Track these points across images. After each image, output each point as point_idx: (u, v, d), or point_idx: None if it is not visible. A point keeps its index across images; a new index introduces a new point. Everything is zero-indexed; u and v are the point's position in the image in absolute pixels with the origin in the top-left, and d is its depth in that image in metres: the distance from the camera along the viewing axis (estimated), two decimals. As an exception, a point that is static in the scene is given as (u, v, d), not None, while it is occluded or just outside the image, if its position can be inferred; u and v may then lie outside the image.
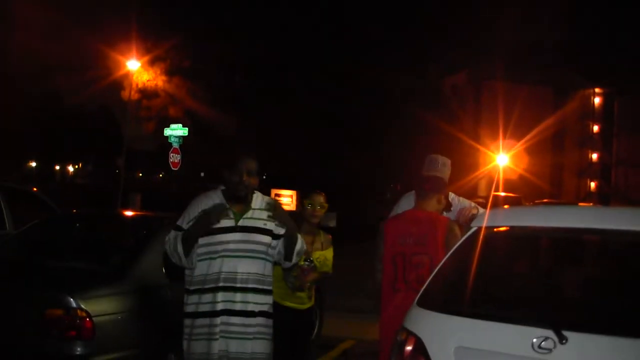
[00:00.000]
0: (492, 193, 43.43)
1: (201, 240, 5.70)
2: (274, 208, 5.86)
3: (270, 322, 5.86)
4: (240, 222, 5.79)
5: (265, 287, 5.82)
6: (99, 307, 6.44)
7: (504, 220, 5.32)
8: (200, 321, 5.62)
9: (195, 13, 45.52)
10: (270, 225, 5.86)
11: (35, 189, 14.13)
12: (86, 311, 6.24)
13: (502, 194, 46.10)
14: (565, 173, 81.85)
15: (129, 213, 10.84)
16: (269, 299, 5.86)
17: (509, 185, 53.52)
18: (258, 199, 5.97)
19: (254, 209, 5.88)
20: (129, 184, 41.63)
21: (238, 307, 5.63)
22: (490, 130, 62.08)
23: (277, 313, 6.12)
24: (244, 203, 5.88)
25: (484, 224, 5.17)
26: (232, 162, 5.87)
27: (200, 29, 43.73)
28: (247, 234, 5.77)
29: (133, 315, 6.83)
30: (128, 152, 35.80)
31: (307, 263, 6.62)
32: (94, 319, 6.29)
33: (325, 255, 7.28)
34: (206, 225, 5.67)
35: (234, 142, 44.65)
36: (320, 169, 51.28)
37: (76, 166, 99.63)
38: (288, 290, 6.84)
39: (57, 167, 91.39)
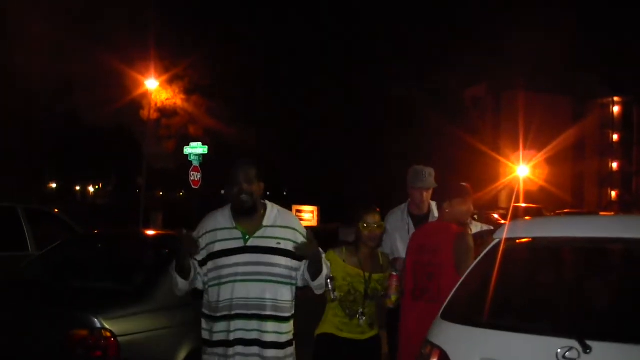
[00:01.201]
0: (513, 204, 43.41)
1: (209, 265, 5.35)
2: (306, 246, 5.31)
3: (291, 351, 5.44)
4: (250, 242, 5.33)
5: (284, 315, 5.37)
6: (124, 327, 6.43)
7: (526, 232, 5.33)
8: (215, 350, 5.30)
9: (213, 30, 45.62)
10: (287, 245, 5.37)
11: (56, 210, 14.17)
12: (111, 331, 6.25)
13: (523, 205, 46.09)
14: (585, 183, 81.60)
15: (150, 232, 10.84)
16: (289, 326, 5.42)
17: (529, 196, 53.47)
18: (272, 215, 5.49)
19: (266, 227, 5.41)
20: (150, 202, 41.71)
21: (254, 335, 5.23)
22: (510, 141, 62.08)
23: (335, 347, 5.93)
24: (252, 216, 5.42)
25: (505, 236, 5.17)
26: (231, 173, 5.45)
27: (218, 46, 43.84)
28: (259, 255, 5.30)
29: (157, 334, 6.81)
30: (148, 171, 35.90)
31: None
32: (118, 338, 6.28)
33: (386, 278, 6.54)
34: (181, 258, 5.26)
35: (256, 157, 44.71)
36: (342, 183, 51.29)
37: (97, 186, 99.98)
38: (346, 319, 6.34)
39: (78, 188, 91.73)
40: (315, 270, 5.41)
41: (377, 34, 62.33)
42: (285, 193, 64.49)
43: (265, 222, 5.43)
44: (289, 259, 5.37)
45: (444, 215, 6.68)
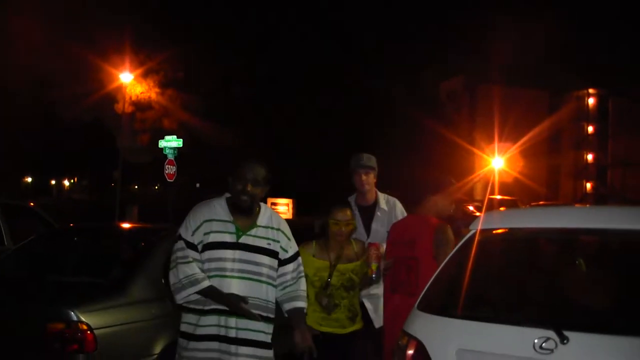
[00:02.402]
0: (488, 196, 43.53)
1: (204, 255, 5.26)
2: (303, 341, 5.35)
3: (270, 353, 5.38)
4: (242, 239, 5.32)
5: (267, 315, 5.34)
6: (100, 319, 6.41)
7: (501, 222, 5.34)
8: (194, 344, 5.23)
9: (189, 24, 45.58)
10: (275, 246, 5.43)
11: (32, 203, 14.12)
12: (87, 324, 6.23)
13: (498, 197, 46.22)
14: (561, 175, 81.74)
15: (126, 226, 10.81)
16: (269, 328, 5.39)
17: (504, 189, 53.65)
18: (265, 215, 5.52)
19: (259, 227, 5.42)
20: (126, 196, 41.64)
21: (232, 333, 5.19)
22: (485, 134, 62.15)
23: (316, 342, 5.76)
24: (248, 215, 5.40)
25: (480, 227, 5.19)
26: (238, 168, 5.40)
27: (194, 40, 43.82)
28: (248, 254, 5.30)
29: (134, 327, 6.79)
30: (123, 164, 35.80)
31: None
32: (95, 331, 6.26)
33: (360, 266, 6.59)
34: (229, 305, 5.16)
35: (231, 151, 44.73)
36: (315, 176, 51.30)
37: (72, 180, 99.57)
38: (324, 314, 6.42)
39: (53, 182, 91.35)
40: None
41: (355, 28, 62.40)
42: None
43: (259, 222, 5.44)
44: (273, 259, 5.41)
45: (424, 208, 6.68)
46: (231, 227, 5.34)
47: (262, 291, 5.32)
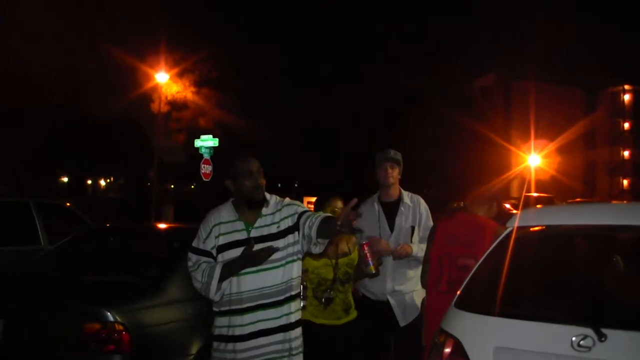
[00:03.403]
0: (524, 194, 43.37)
1: (218, 258, 5.35)
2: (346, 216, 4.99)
3: (297, 332, 5.45)
4: (253, 233, 5.37)
5: (293, 293, 5.42)
6: (136, 320, 6.46)
7: (538, 220, 5.31)
8: (229, 346, 5.27)
9: (223, 23, 45.71)
10: (285, 223, 5.42)
11: (68, 203, 14.20)
12: (123, 324, 6.26)
13: (535, 194, 45.99)
14: (597, 172, 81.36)
15: (162, 226, 10.84)
16: (297, 304, 5.49)
17: (540, 186, 53.37)
18: (271, 203, 5.55)
19: (266, 215, 5.46)
20: (161, 196, 41.78)
21: (275, 323, 5.27)
22: (521, 131, 61.94)
23: (312, 332, 5.93)
24: (260, 207, 5.47)
25: (517, 224, 5.16)
26: (237, 167, 5.45)
27: (229, 38, 43.93)
28: (261, 245, 5.29)
29: (170, 327, 6.84)
30: (159, 164, 35.94)
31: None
32: (131, 332, 6.30)
33: (354, 259, 6.80)
34: (241, 267, 5.24)
35: (258, 149, 44.82)
36: (347, 174, 51.24)
37: (108, 180, 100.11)
38: (320, 306, 6.52)
39: (89, 182, 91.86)
40: (329, 232, 5.21)
41: (388, 25, 62.24)
42: (296, 185, 64.44)
43: (264, 211, 5.47)
44: (289, 237, 5.41)
45: (475, 209, 6.66)
46: (239, 225, 5.41)
47: (278, 276, 5.33)
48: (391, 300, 7.33)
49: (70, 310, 6.55)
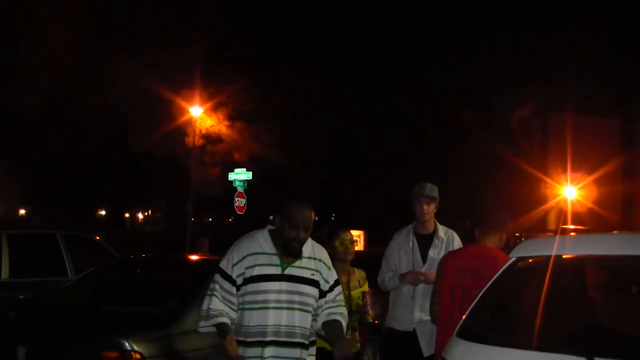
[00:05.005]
0: (561, 226, 43.12)
1: (248, 287, 5.32)
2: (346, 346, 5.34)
3: None
4: (287, 271, 5.37)
5: (307, 341, 5.42)
6: (153, 349, 6.57)
7: (538, 250, 5.33)
8: None
9: (255, 56, 45.81)
10: (318, 277, 5.49)
11: (97, 237, 14.39)
12: (140, 353, 6.39)
13: (571, 226, 45.69)
14: (635, 204, 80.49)
15: (191, 257, 10.94)
16: (312, 351, 5.52)
17: (577, 218, 52.96)
18: (308, 246, 5.54)
19: (303, 258, 5.46)
20: (198, 229, 41.98)
21: None
22: (558, 163, 61.58)
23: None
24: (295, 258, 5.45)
25: (519, 254, 5.23)
26: (289, 211, 5.37)
27: (261, 71, 44.02)
28: (294, 284, 5.36)
29: (188, 357, 6.92)
30: (196, 197, 36.17)
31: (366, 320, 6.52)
32: (148, 360, 6.37)
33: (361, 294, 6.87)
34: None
35: (294, 183, 44.86)
36: (387, 207, 51.07)
37: (146, 213, 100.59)
38: None
39: (127, 215, 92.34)
40: (327, 335, 5.45)
41: (424, 56, 62.12)
42: (332, 217, 64.39)
43: (303, 254, 5.47)
44: (315, 289, 5.45)
45: (486, 240, 6.73)
46: (276, 260, 5.38)
47: (303, 319, 5.36)
48: (417, 330, 7.40)
49: (90, 339, 6.71)
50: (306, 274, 5.43)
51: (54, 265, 11.71)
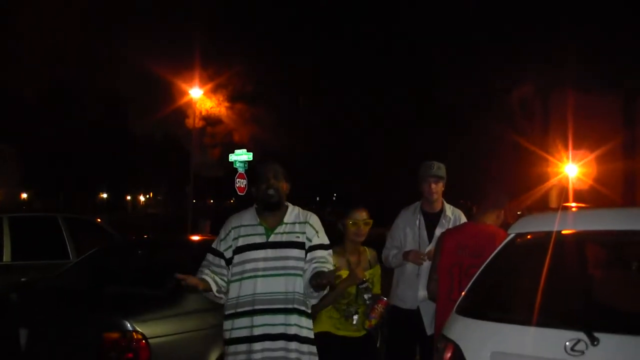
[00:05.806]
0: (562, 204, 43.07)
1: (235, 259, 5.48)
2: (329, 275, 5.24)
3: (311, 349, 5.47)
4: (272, 238, 5.48)
5: (302, 308, 5.44)
6: (155, 329, 6.57)
7: (536, 226, 5.35)
8: (238, 347, 5.35)
9: (255, 37, 45.73)
10: (302, 238, 5.52)
11: (98, 219, 14.40)
12: (142, 334, 6.38)
13: (573, 204, 45.66)
14: (637, 181, 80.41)
15: (188, 238, 10.95)
16: (308, 322, 5.50)
17: (579, 196, 52.87)
18: (293, 213, 5.65)
19: (287, 223, 5.56)
20: (200, 210, 41.97)
21: (279, 330, 5.32)
22: (559, 140, 61.43)
23: (334, 344, 6.07)
24: (276, 213, 5.58)
25: (517, 230, 5.23)
26: (256, 171, 5.71)
27: (261, 52, 43.93)
28: (280, 250, 5.44)
29: (189, 336, 6.94)
30: (196, 179, 36.15)
31: (363, 287, 6.34)
32: (150, 341, 6.42)
33: (374, 274, 6.77)
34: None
35: (303, 162, 44.77)
36: (386, 187, 51.02)
37: (147, 196, 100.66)
38: (342, 318, 6.48)
39: (129, 198, 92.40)
40: (318, 283, 5.29)
41: (421, 37, 61.91)
42: (334, 198, 64.43)
43: (286, 219, 5.59)
44: (301, 251, 5.50)
45: (485, 218, 6.73)
46: (260, 229, 5.55)
47: (293, 284, 5.43)
48: (421, 309, 7.43)
49: (91, 320, 6.71)
50: (291, 237, 5.53)
51: (55, 248, 11.76)
